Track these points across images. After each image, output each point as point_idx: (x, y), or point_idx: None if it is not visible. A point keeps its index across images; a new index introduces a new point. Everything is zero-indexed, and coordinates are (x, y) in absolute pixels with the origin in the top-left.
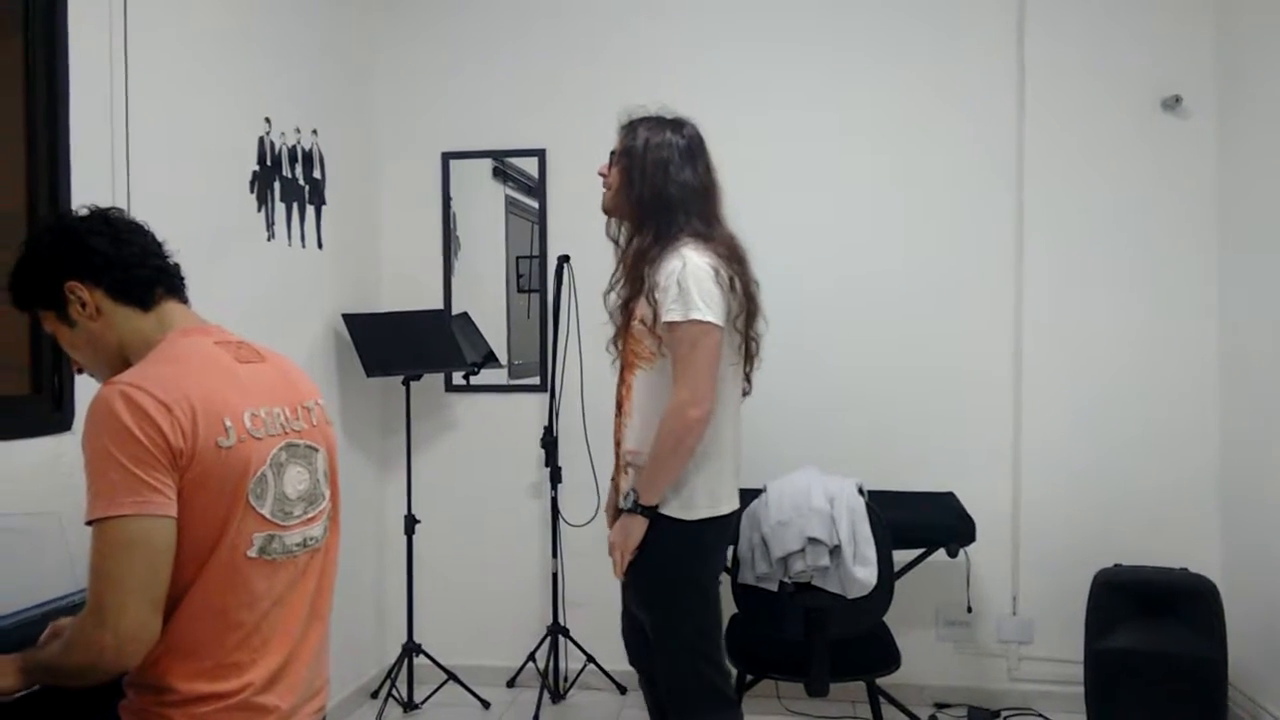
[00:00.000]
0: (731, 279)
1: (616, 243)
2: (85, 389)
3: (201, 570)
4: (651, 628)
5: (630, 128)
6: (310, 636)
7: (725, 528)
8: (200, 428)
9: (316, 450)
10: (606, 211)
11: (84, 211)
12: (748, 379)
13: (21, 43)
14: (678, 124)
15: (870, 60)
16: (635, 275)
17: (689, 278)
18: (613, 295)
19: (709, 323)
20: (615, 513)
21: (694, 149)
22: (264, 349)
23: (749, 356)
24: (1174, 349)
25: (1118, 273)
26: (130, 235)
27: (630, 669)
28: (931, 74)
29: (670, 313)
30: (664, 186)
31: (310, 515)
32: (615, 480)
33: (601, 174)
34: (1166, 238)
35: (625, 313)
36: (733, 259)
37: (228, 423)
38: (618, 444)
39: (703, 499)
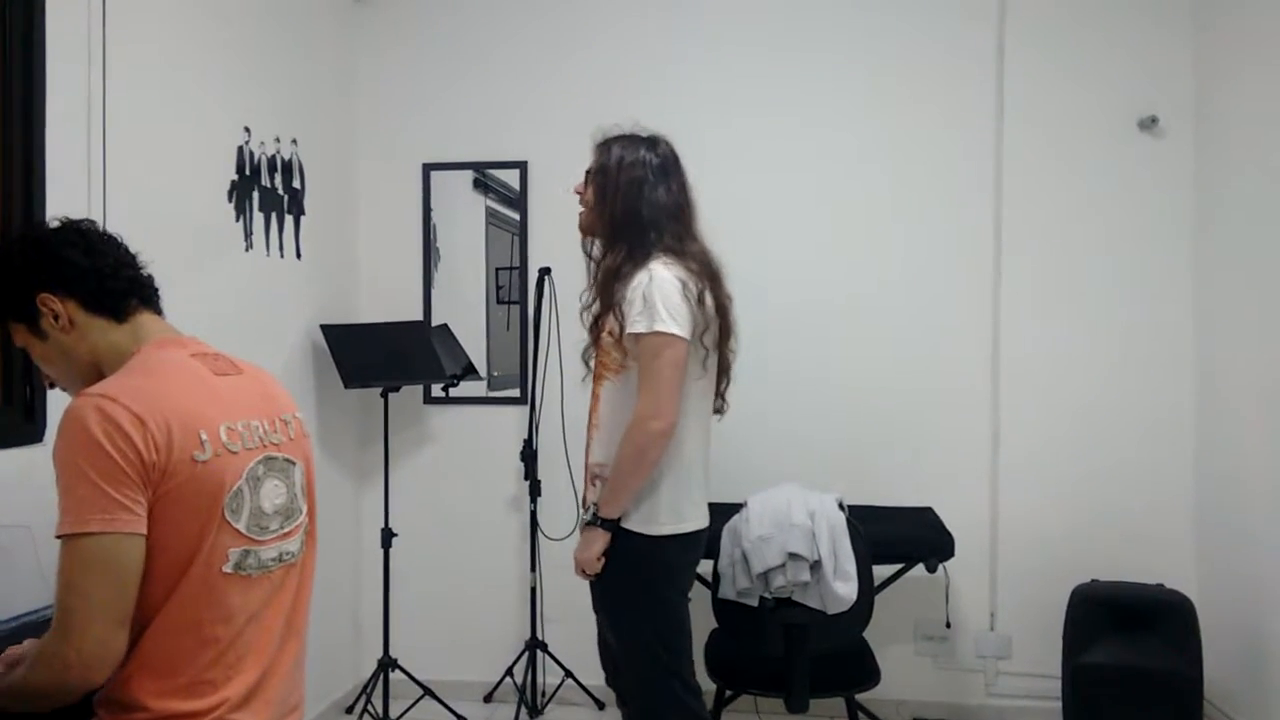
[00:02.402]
0: (701, 293)
1: (591, 258)
2: (57, 399)
3: (176, 586)
4: (616, 643)
5: (604, 146)
6: (286, 652)
7: (692, 544)
8: (175, 441)
9: (294, 464)
10: (583, 230)
11: (56, 223)
12: (721, 396)
13: None
14: (652, 142)
15: (847, 76)
16: (606, 291)
17: (655, 291)
18: (587, 313)
19: (673, 335)
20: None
21: (667, 167)
22: (241, 361)
23: (722, 372)
24: (1150, 367)
25: (1095, 290)
26: (103, 246)
27: (608, 685)
28: (910, 92)
29: (635, 324)
30: (636, 205)
31: (287, 530)
32: (585, 495)
33: (577, 192)
34: (1143, 258)
35: (596, 327)
36: (704, 274)
37: (203, 436)
38: (588, 456)
39: (666, 514)
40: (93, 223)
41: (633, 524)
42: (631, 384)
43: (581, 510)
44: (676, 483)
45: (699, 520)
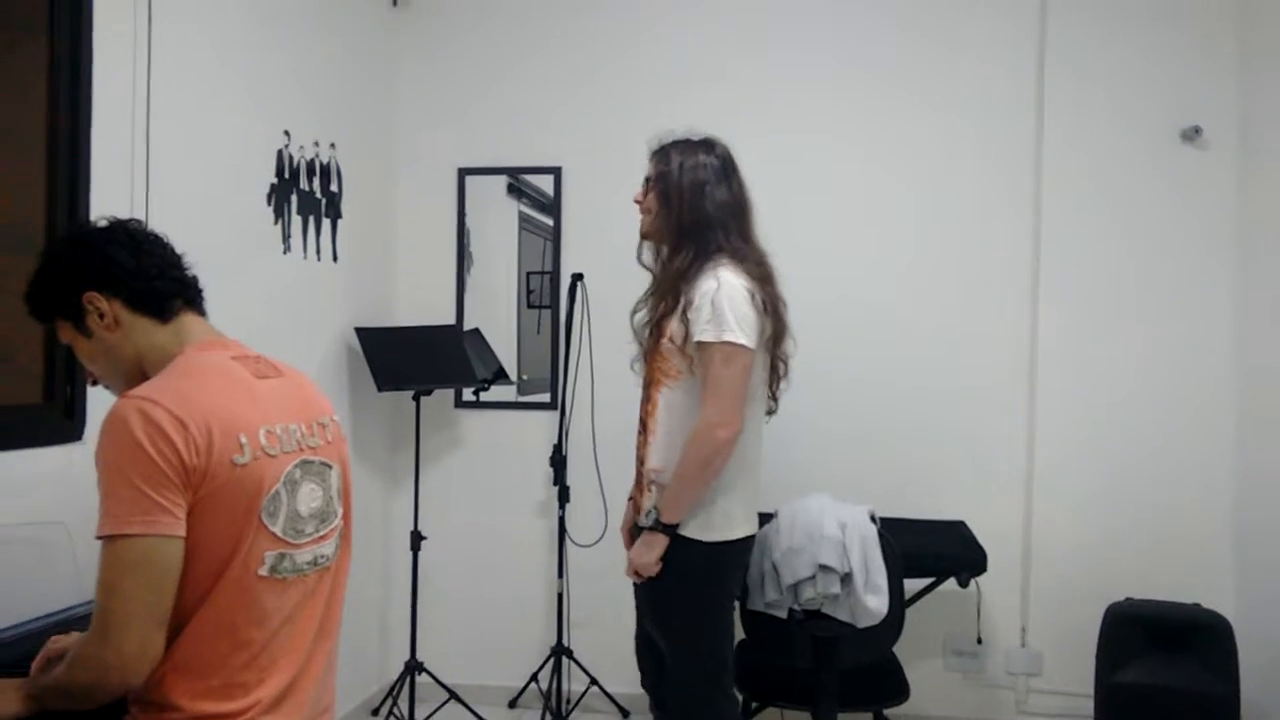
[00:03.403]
0: (765, 301)
1: (649, 269)
2: (97, 398)
3: (212, 588)
4: (667, 649)
5: (662, 152)
6: (318, 655)
7: (742, 551)
8: (215, 445)
9: (331, 467)
10: (645, 236)
11: (103, 222)
12: (774, 397)
13: (47, 45)
14: (708, 144)
15: (890, 86)
16: (672, 294)
17: (724, 299)
18: (640, 314)
19: (741, 345)
20: (632, 530)
21: (727, 168)
22: (281, 364)
23: (776, 375)
24: (1190, 382)
25: (1134, 303)
26: (150, 247)
27: (633, 692)
28: (951, 100)
29: (704, 332)
30: (701, 206)
31: (322, 533)
32: (634, 498)
33: (637, 201)
34: (1185, 269)
35: (655, 331)
36: (764, 279)
37: (243, 440)
38: (640, 461)
39: (719, 521)
40: (140, 223)
41: (690, 530)
42: (693, 391)
43: (640, 516)
44: (734, 490)
45: (749, 527)
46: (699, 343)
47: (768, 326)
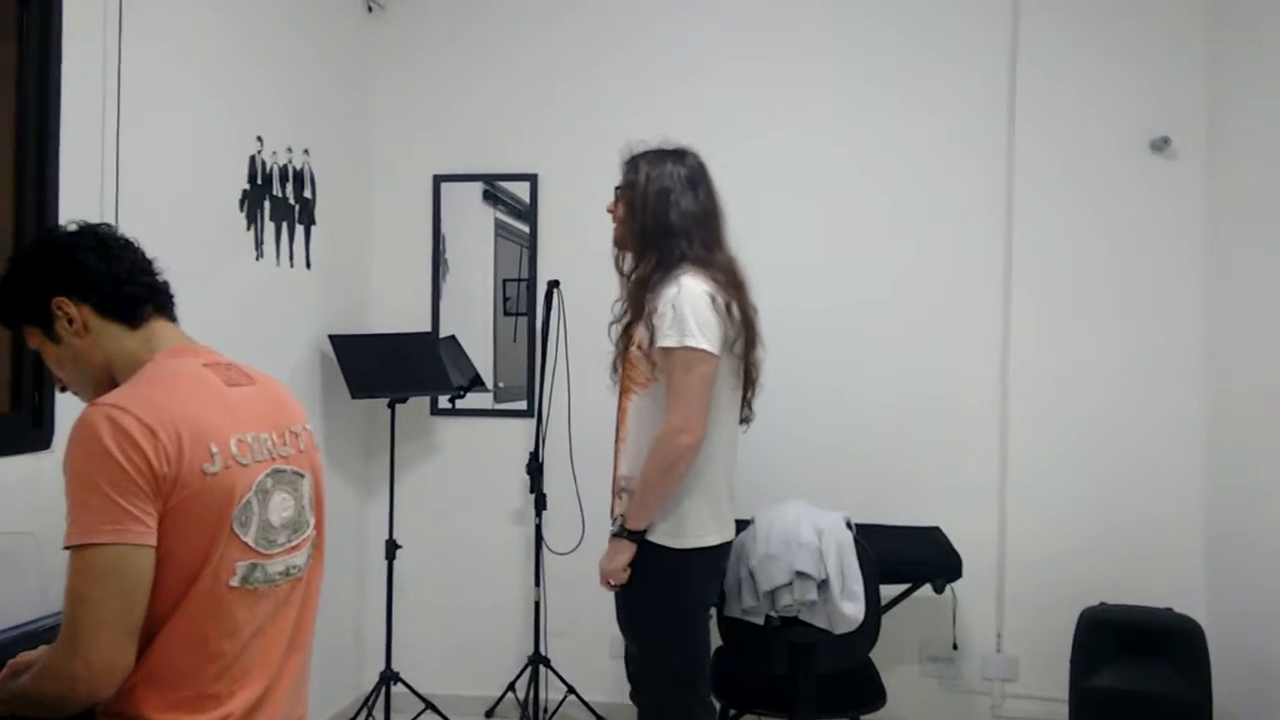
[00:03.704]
0: (729, 304)
1: (622, 273)
2: (66, 406)
3: (183, 598)
4: (638, 655)
5: (632, 162)
6: (289, 666)
7: (717, 558)
8: (186, 453)
9: (303, 476)
10: (617, 244)
11: (73, 227)
12: (748, 405)
13: (15, 50)
14: (679, 154)
15: (862, 93)
16: (636, 301)
17: (684, 304)
18: (616, 326)
19: (703, 350)
20: None
21: (695, 177)
22: (254, 371)
23: (749, 383)
24: (1160, 388)
25: (1105, 311)
26: (120, 251)
27: (611, 700)
28: (923, 108)
29: (665, 338)
30: (665, 214)
31: (294, 543)
32: (613, 507)
33: (609, 211)
34: (1154, 277)
35: (624, 339)
36: (731, 284)
37: (214, 449)
38: (615, 469)
39: (692, 527)
40: (110, 227)
41: (659, 536)
42: (660, 397)
43: (610, 522)
44: (703, 496)
45: (724, 533)
46: (662, 348)
47: (731, 331)
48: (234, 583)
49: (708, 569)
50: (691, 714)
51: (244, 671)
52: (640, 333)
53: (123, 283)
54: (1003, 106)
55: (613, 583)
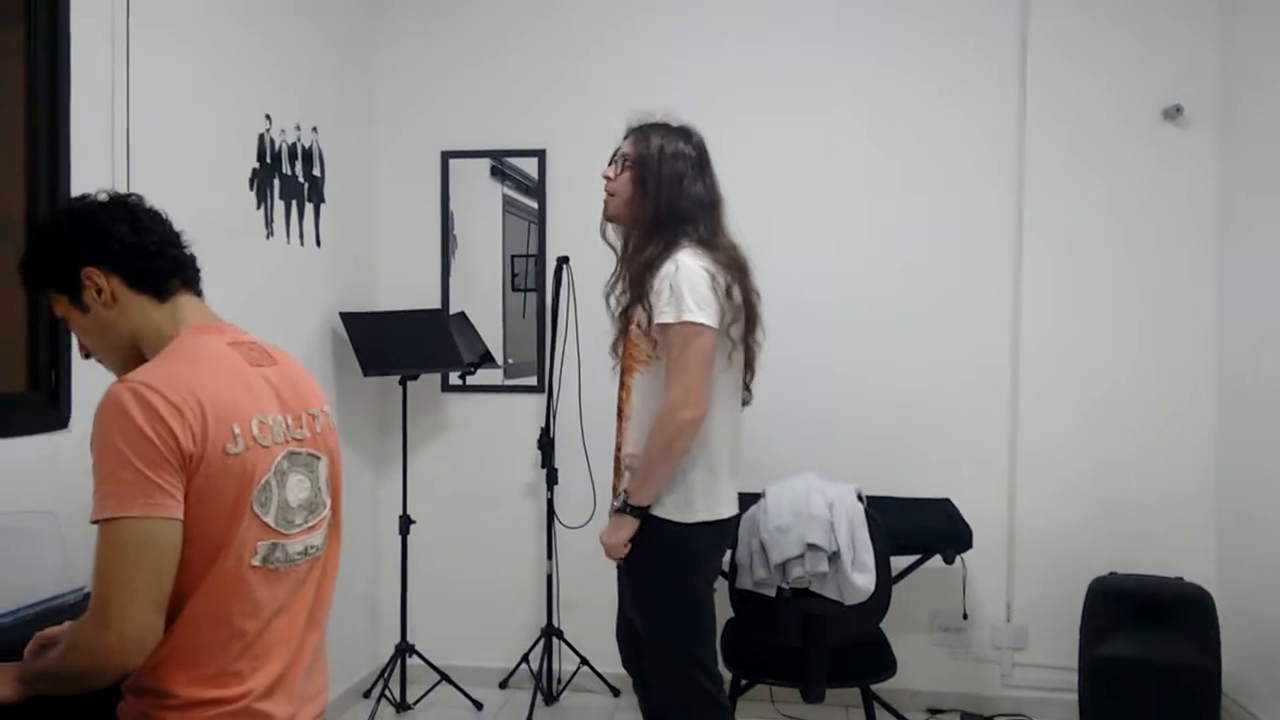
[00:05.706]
0: (729, 286)
1: (614, 248)
2: (83, 386)
3: (205, 577)
4: (643, 629)
5: (642, 134)
6: (308, 644)
7: (722, 533)
8: (210, 433)
9: (318, 458)
10: (611, 218)
11: (104, 197)
12: (747, 388)
13: (24, 32)
14: (686, 133)
15: (871, 65)
16: (638, 283)
17: (682, 280)
18: (613, 300)
19: (701, 324)
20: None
21: (703, 161)
22: (276, 351)
23: (748, 365)
24: (1172, 359)
25: (1116, 282)
26: (150, 224)
27: (623, 671)
28: (933, 81)
29: (663, 315)
30: (677, 200)
31: (311, 524)
32: (615, 484)
33: (607, 176)
34: (1166, 248)
35: (625, 318)
36: (732, 267)
37: (236, 429)
38: (618, 448)
39: (699, 501)
40: (140, 199)
41: (664, 511)
42: (661, 375)
43: (612, 499)
44: (707, 470)
45: (730, 507)
46: (660, 325)
47: (729, 310)
48: (255, 562)
49: (712, 542)
50: (698, 685)
51: (265, 649)
52: (639, 312)
53: (152, 255)
54: (1014, 75)
55: (614, 557)
